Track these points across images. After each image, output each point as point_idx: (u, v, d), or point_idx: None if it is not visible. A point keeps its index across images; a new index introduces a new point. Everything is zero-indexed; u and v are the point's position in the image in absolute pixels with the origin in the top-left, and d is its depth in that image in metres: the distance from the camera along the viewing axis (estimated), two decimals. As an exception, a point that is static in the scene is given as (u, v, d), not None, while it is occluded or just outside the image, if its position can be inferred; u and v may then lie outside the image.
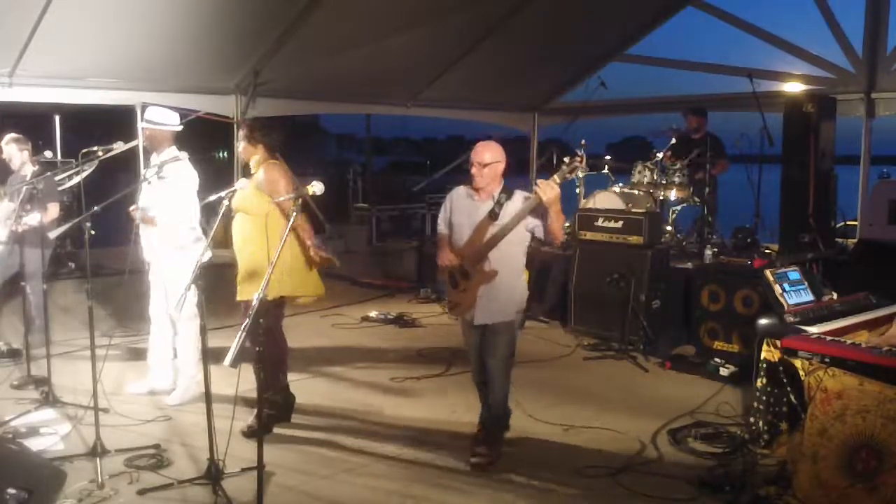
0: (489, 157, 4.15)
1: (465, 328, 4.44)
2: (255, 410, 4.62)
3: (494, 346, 4.27)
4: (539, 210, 4.05)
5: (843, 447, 3.52)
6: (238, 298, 4.80)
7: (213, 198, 4.23)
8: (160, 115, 5.22)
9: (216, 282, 4.89)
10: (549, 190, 3.91)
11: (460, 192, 4.35)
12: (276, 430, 4.75)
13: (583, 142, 8.87)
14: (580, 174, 4.03)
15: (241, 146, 4.96)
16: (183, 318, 5.14)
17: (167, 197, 5.08)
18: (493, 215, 4.13)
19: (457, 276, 4.26)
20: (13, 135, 6.36)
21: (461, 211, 4.30)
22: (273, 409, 4.76)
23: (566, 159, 4.01)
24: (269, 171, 4.77)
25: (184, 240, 5.12)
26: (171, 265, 5.10)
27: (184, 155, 5.02)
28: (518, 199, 4.15)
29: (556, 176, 3.97)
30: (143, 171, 5.23)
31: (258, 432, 3.56)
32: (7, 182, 6.32)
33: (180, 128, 5.28)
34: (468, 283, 4.21)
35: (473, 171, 4.18)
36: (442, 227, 4.45)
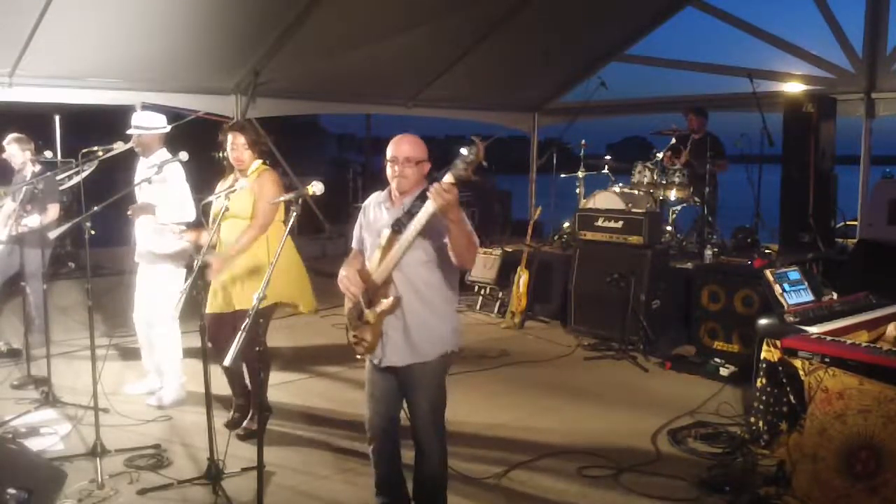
0: (414, 151, 3.24)
1: (368, 372, 3.46)
2: (251, 413, 4.64)
3: (413, 399, 3.32)
4: (439, 221, 3.03)
5: (842, 448, 3.51)
6: (215, 310, 4.57)
7: (212, 198, 4.20)
8: (150, 120, 5.15)
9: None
10: (439, 195, 2.87)
11: (372, 199, 3.45)
12: (276, 429, 4.75)
13: (583, 142, 8.90)
14: (484, 163, 2.89)
15: (242, 154, 4.55)
16: (162, 321, 5.09)
17: (163, 197, 4.98)
18: (396, 227, 3.18)
19: (361, 305, 3.32)
20: (15, 135, 6.35)
21: (370, 223, 3.42)
22: (267, 409, 4.73)
23: (463, 150, 2.86)
24: (265, 179, 4.54)
25: (178, 242, 5.00)
26: (161, 268, 5.05)
27: (184, 155, 4.95)
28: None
29: (449, 174, 2.89)
30: (139, 174, 5.10)
31: (256, 433, 3.53)
32: (11, 182, 6.32)
33: (168, 129, 5.22)
34: (372, 314, 3.27)
35: (396, 169, 3.23)
36: (353, 243, 3.54)
